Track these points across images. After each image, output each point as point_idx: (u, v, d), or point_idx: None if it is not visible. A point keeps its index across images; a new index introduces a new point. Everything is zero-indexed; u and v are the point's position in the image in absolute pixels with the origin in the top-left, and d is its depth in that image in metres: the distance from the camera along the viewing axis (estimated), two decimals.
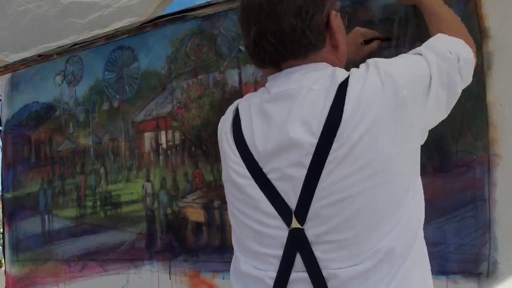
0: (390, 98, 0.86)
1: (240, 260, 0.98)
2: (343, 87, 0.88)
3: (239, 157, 0.96)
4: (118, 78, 2.09)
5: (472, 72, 1.05)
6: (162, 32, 1.95)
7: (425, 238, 0.95)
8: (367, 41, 1.37)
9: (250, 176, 0.94)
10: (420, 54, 0.95)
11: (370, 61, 0.92)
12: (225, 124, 1.04)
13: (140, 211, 1.99)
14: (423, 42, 1.38)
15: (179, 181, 1.88)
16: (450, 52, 0.96)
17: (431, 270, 0.95)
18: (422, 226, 0.94)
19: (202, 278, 1.79)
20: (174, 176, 1.90)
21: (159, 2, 2.38)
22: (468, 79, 1.04)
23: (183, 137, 1.88)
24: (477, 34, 1.31)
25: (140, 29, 2.01)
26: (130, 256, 2.01)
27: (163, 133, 1.94)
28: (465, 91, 1.33)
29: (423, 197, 0.95)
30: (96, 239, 2.12)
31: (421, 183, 0.94)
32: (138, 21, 2.12)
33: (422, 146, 0.97)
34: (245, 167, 0.95)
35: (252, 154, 0.94)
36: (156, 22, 1.96)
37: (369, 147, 0.84)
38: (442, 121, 1.01)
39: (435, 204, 1.34)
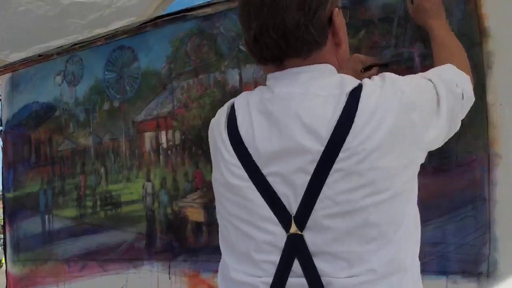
0: (403, 118, 0.86)
1: (229, 267, 0.95)
2: (354, 96, 0.86)
3: (235, 157, 0.92)
4: (119, 78, 2.09)
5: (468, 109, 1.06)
6: (162, 32, 1.94)
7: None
8: (366, 68, 1.37)
9: (248, 178, 0.90)
10: (431, 81, 0.95)
11: (387, 75, 0.90)
12: (218, 123, 0.99)
13: (140, 211, 1.98)
14: (422, 42, 1.39)
15: (179, 181, 1.87)
16: (457, 86, 0.97)
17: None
18: (419, 247, 0.92)
19: (202, 278, 1.79)
20: (174, 176, 1.90)
21: (159, 2, 2.38)
22: (464, 115, 1.05)
23: (183, 137, 1.88)
24: (477, 34, 1.31)
25: (140, 29, 2.00)
26: (129, 256, 2.00)
27: (163, 133, 1.94)
28: None
29: (419, 218, 0.93)
30: (96, 239, 2.12)
31: (417, 206, 0.93)
32: (138, 21, 2.12)
33: None
34: (241, 167, 0.91)
35: (250, 155, 0.90)
36: (156, 22, 1.95)
37: (376, 165, 0.83)
38: None
39: (435, 204, 1.33)
